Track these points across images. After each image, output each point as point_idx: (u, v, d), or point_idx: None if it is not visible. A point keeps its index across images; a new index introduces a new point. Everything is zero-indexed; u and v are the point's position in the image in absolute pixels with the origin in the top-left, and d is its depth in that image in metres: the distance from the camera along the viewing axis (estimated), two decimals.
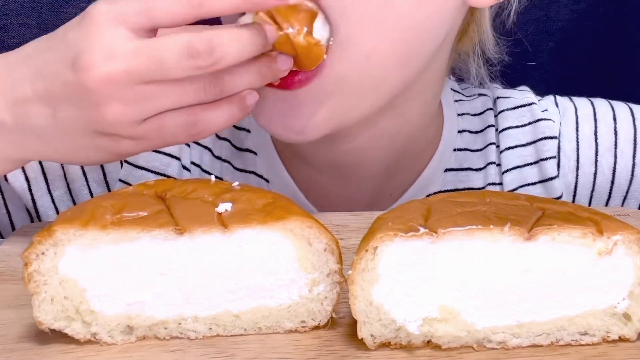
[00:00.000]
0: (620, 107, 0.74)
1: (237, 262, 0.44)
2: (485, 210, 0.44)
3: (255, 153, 0.70)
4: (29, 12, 0.82)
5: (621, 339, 0.45)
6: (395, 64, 0.57)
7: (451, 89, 0.74)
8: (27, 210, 0.71)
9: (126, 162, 0.69)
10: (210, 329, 0.45)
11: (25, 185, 0.69)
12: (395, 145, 0.67)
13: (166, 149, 0.70)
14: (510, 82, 0.77)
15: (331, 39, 0.53)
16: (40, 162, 0.69)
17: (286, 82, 0.54)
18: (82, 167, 0.70)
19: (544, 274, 0.43)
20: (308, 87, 0.54)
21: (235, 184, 0.49)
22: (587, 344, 0.45)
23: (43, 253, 0.43)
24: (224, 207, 0.45)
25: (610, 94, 0.76)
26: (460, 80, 0.76)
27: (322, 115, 0.56)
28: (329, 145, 0.65)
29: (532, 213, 0.44)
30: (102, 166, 0.70)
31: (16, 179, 0.69)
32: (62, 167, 0.70)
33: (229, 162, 0.71)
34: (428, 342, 0.44)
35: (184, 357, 0.43)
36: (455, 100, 0.73)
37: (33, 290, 0.43)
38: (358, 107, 0.58)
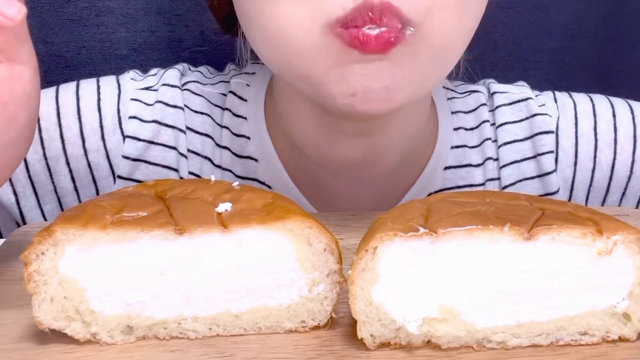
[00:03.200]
0: (620, 103, 0.74)
1: (237, 262, 0.44)
2: (485, 210, 0.44)
3: (256, 160, 0.70)
4: (29, 12, 0.83)
5: (621, 339, 0.45)
6: (464, 47, 0.58)
7: (443, 87, 0.74)
8: (17, 223, 0.71)
9: (119, 177, 0.69)
10: (210, 329, 0.45)
11: (13, 199, 0.69)
12: (403, 144, 0.67)
13: (163, 161, 0.69)
14: (510, 82, 0.77)
15: (410, 28, 0.52)
16: (30, 177, 0.68)
17: (376, 43, 0.52)
18: (73, 182, 0.69)
19: (543, 274, 0.43)
20: (396, 48, 0.52)
21: (235, 184, 0.49)
22: (587, 344, 0.45)
23: (43, 253, 0.43)
24: (224, 207, 0.45)
25: (609, 94, 0.76)
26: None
27: (406, 79, 0.55)
28: (347, 142, 0.65)
29: (532, 213, 0.44)
30: (94, 181, 0.70)
31: (3, 192, 0.68)
32: (52, 182, 0.69)
33: (229, 170, 0.71)
34: (428, 342, 0.44)
35: (184, 357, 0.43)
36: (448, 98, 0.73)
37: (33, 290, 0.43)
38: (427, 85, 0.59)
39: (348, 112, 0.56)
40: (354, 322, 0.43)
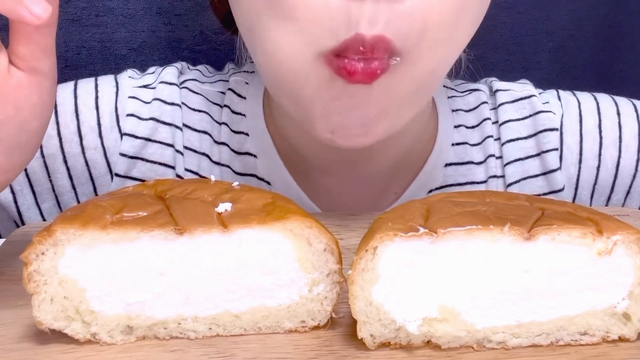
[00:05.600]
0: (624, 102, 0.74)
1: (237, 262, 0.44)
2: (485, 210, 0.44)
3: (255, 156, 0.70)
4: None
5: (621, 339, 0.45)
6: (448, 70, 0.58)
7: (443, 86, 0.74)
8: (15, 222, 0.71)
9: (117, 175, 0.69)
10: (210, 329, 0.45)
11: (10, 197, 0.69)
12: (400, 144, 0.67)
13: (160, 159, 0.69)
14: (511, 82, 0.77)
15: (396, 58, 0.52)
16: (27, 175, 0.68)
17: (364, 73, 0.52)
18: (71, 180, 0.69)
19: (544, 274, 0.43)
20: (379, 81, 0.52)
21: (235, 184, 0.49)
22: (587, 344, 0.45)
23: (43, 253, 0.43)
24: (224, 207, 0.45)
25: (610, 94, 0.76)
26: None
27: (384, 112, 0.55)
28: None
29: (532, 213, 0.44)
30: (92, 179, 0.70)
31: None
32: (50, 180, 0.69)
33: (228, 166, 0.71)
34: (428, 342, 0.44)
35: (184, 357, 0.43)
36: (449, 97, 0.73)
37: (33, 290, 0.43)
38: (408, 113, 0.59)
39: (329, 145, 0.57)
40: (354, 322, 0.43)
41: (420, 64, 0.53)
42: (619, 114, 0.72)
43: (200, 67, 0.76)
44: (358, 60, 0.51)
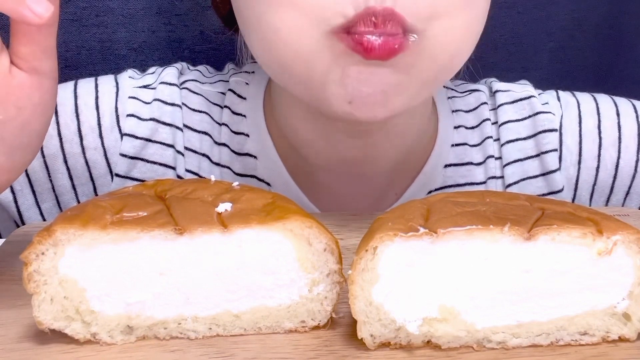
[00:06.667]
0: (623, 102, 0.74)
1: (237, 262, 0.44)
2: (485, 210, 0.44)
3: (255, 157, 0.70)
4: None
5: (621, 339, 0.45)
6: (466, 59, 0.59)
7: (443, 86, 0.74)
8: (15, 222, 0.71)
9: (117, 175, 0.69)
10: (210, 329, 0.45)
11: (10, 197, 0.69)
12: (402, 144, 0.67)
13: (161, 159, 0.69)
14: (511, 82, 0.77)
15: (413, 35, 0.52)
16: (27, 175, 0.68)
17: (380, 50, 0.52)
18: (71, 180, 0.69)
19: (543, 274, 0.43)
20: (398, 56, 0.52)
21: (235, 184, 0.49)
22: (587, 344, 0.45)
23: (43, 253, 0.43)
24: (224, 207, 0.45)
25: (610, 94, 0.76)
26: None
27: (403, 85, 0.55)
28: (346, 142, 0.65)
29: (532, 213, 0.44)
30: (92, 179, 0.70)
31: None
32: (50, 180, 0.69)
33: (228, 167, 0.71)
34: (428, 342, 0.44)
35: (184, 357, 0.43)
36: (449, 97, 0.73)
37: (33, 290, 0.43)
38: (427, 91, 0.59)
39: (347, 119, 0.56)
40: (354, 322, 0.43)
41: (439, 47, 0.53)
42: (618, 114, 0.72)
43: (200, 67, 0.76)
44: (374, 35, 0.50)
